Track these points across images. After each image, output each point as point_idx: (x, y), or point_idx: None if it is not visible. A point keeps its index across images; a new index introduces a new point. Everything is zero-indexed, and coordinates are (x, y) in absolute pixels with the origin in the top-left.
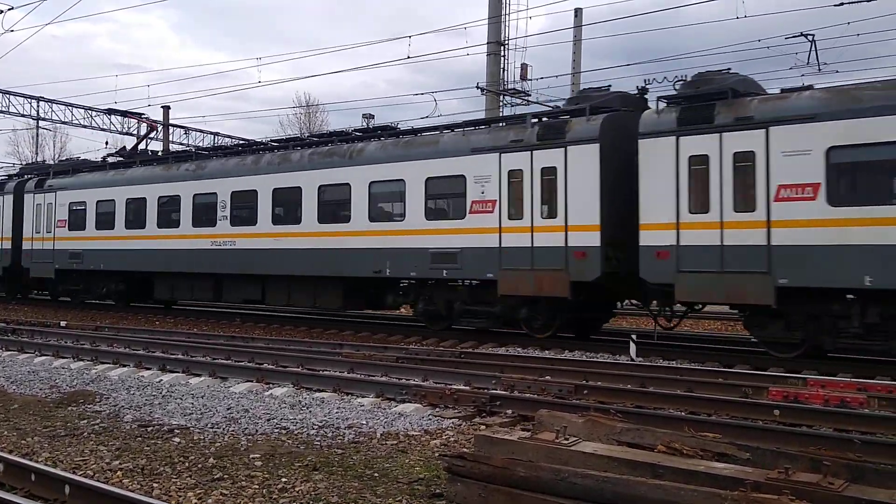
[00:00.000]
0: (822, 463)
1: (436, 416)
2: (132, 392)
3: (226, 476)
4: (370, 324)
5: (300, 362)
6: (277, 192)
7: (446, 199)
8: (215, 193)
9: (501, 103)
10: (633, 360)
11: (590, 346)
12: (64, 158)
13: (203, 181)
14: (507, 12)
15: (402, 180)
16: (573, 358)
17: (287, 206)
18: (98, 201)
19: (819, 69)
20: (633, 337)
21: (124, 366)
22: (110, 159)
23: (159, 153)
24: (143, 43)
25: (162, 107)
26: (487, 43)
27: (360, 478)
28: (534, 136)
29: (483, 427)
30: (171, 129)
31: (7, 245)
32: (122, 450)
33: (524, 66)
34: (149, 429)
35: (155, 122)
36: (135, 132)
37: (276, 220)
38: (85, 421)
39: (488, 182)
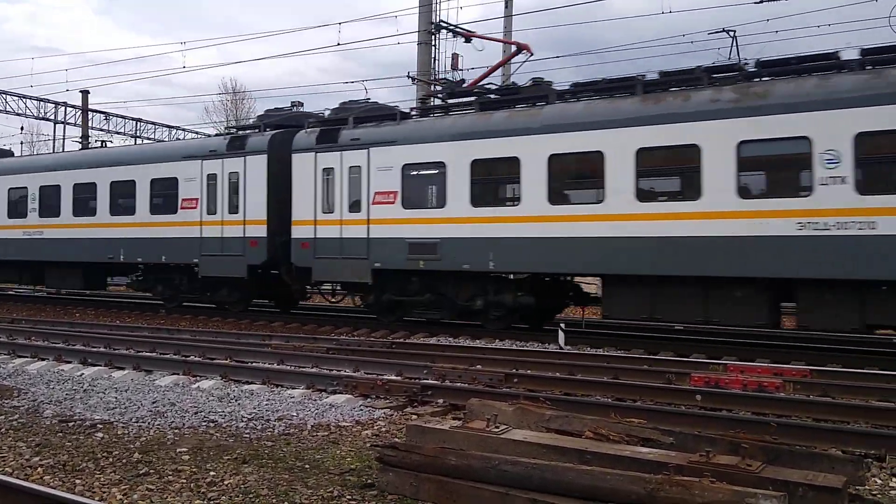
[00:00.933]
0: (741, 446)
1: (367, 407)
2: (52, 386)
3: (152, 471)
4: (299, 315)
5: (228, 354)
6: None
7: None
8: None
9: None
10: (561, 348)
11: (520, 336)
12: (345, 101)
13: (780, 117)
14: (438, 1)
15: None
16: (503, 347)
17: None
18: (474, 161)
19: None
20: (562, 325)
21: (43, 359)
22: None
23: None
24: (62, 26)
25: (81, 91)
26: (418, 31)
27: (290, 469)
28: None
29: (414, 417)
30: (90, 114)
31: (259, 232)
32: (43, 446)
33: (455, 56)
34: (70, 424)
35: (520, 43)
36: (52, 117)
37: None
38: (3, 417)
39: None
